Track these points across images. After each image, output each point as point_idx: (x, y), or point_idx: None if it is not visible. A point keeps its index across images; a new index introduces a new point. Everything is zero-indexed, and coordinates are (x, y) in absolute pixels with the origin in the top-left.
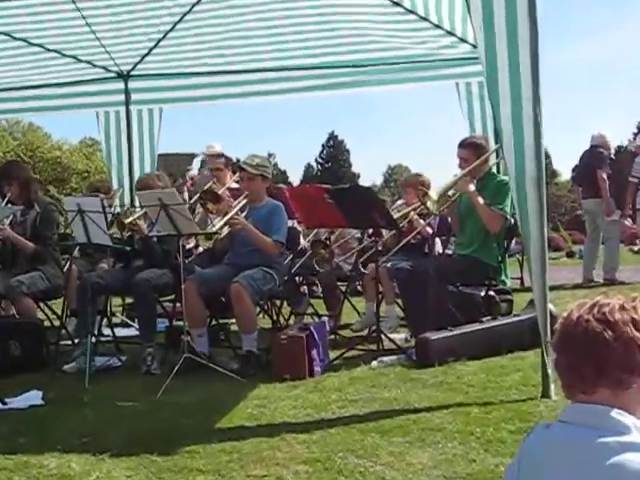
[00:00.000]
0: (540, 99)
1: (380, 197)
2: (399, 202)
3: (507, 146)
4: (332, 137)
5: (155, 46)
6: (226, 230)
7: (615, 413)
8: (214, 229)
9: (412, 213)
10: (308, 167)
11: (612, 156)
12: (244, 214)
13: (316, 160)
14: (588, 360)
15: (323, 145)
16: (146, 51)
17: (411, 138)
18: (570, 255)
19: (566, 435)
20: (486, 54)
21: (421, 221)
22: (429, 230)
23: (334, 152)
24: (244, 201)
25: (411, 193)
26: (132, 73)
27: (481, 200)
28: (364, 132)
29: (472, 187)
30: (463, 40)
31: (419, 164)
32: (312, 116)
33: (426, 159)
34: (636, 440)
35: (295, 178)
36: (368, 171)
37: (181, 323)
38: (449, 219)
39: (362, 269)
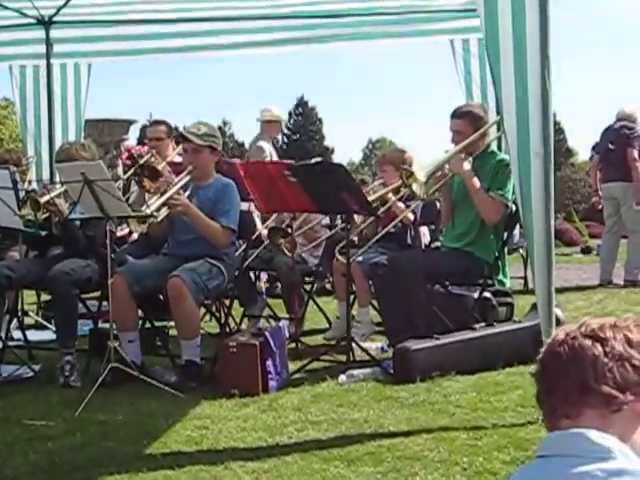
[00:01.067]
0: (549, 58)
1: (354, 176)
2: (376, 182)
3: (508, 116)
4: (301, 103)
5: None
6: (164, 212)
7: (595, 435)
8: (148, 210)
9: (390, 195)
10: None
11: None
12: (187, 194)
13: (282, 131)
14: (572, 377)
15: (290, 113)
16: None
17: (398, 107)
18: (586, 251)
19: (543, 472)
20: (485, 3)
21: (400, 205)
22: (410, 216)
23: (303, 121)
24: (187, 178)
25: (389, 172)
26: (55, 19)
27: (477, 183)
28: (340, 98)
29: (467, 166)
30: None
31: (407, 138)
32: (277, 77)
33: (416, 133)
34: (622, 465)
35: None
36: (344, 145)
37: (107, 326)
38: (437, 204)
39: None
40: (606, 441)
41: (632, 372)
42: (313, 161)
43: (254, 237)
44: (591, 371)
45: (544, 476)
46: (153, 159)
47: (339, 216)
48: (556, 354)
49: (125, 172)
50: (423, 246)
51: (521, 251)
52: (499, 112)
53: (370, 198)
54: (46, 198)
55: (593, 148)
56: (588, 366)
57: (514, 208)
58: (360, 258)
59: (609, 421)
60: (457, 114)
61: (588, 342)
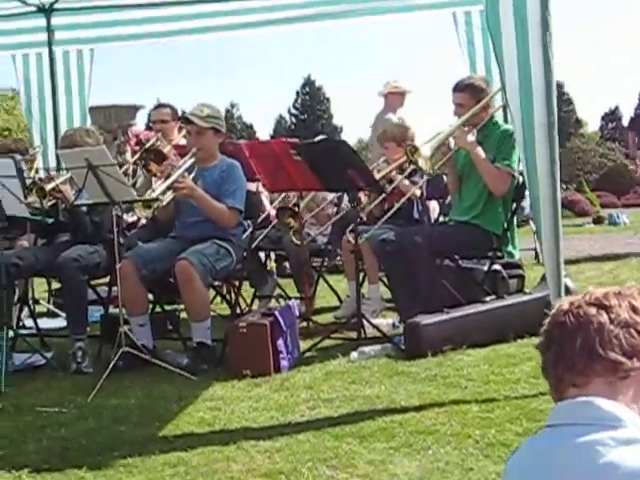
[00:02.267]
0: (550, 26)
1: (363, 154)
2: (380, 160)
3: (511, 87)
4: (308, 82)
5: None
6: (169, 196)
7: (605, 403)
8: (153, 195)
9: (395, 173)
10: (280, 119)
11: None
12: (192, 176)
13: (289, 111)
14: (578, 344)
15: (297, 92)
16: None
17: (407, 81)
18: (598, 221)
19: (553, 440)
20: None
21: (406, 181)
22: (417, 192)
23: (311, 101)
24: (191, 160)
25: (392, 148)
26: (56, 6)
27: (482, 154)
28: (347, 76)
29: (471, 138)
30: None
31: (416, 115)
32: (283, 57)
33: (424, 108)
34: (632, 434)
35: (264, 133)
36: (353, 124)
37: (118, 311)
38: (444, 178)
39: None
40: (616, 409)
41: (638, 338)
42: (317, 139)
43: (263, 217)
44: (597, 338)
45: (554, 445)
46: (159, 143)
47: (346, 193)
48: (561, 323)
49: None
50: (432, 220)
51: (531, 223)
52: (503, 84)
53: (376, 177)
54: (51, 185)
55: (602, 118)
56: (594, 333)
57: (521, 179)
58: (367, 235)
59: (617, 388)
60: (459, 87)
61: (593, 310)
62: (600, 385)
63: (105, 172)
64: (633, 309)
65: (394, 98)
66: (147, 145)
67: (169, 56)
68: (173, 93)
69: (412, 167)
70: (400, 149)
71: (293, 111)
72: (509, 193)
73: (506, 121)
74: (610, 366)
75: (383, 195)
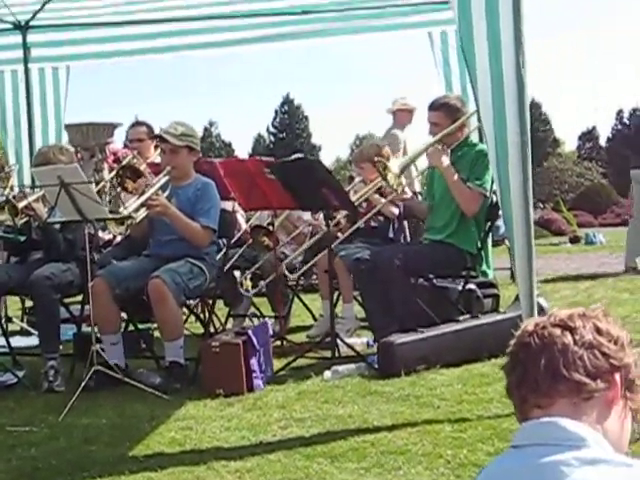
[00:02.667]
0: (523, 45)
1: (344, 172)
2: (356, 180)
3: (484, 106)
4: (287, 101)
5: None
6: (142, 213)
7: (569, 423)
8: (126, 212)
9: (372, 193)
10: (258, 138)
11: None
12: (166, 194)
13: (268, 130)
14: (543, 365)
15: (276, 111)
16: None
17: (382, 102)
18: (575, 240)
19: (518, 461)
20: None
21: (378, 197)
22: (394, 211)
23: (289, 120)
24: (165, 178)
25: (367, 168)
26: (32, 23)
27: (455, 174)
28: (326, 95)
29: (445, 159)
30: None
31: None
32: (262, 76)
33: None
34: (596, 454)
35: (243, 151)
36: (332, 142)
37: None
38: (419, 197)
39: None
40: (580, 430)
41: (602, 359)
42: (291, 158)
43: (238, 236)
44: (561, 359)
45: (518, 466)
46: (135, 160)
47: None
48: (526, 344)
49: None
50: (409, 239)
51: (507, 242)
52: (477, 103)
53: (353, 198)
54: (24, 203)
55: (579, 138)
56: (558, 354)
57: (495, 198)
58: (343, 253)
59: (581, 409)
60: (434, 106)
61: (557, 331)
62: (564, 406)
63: (78, 190)
64: (597, 330)
65: (402, 115)
66: (123, 163)
67: (148, 73)
68: (151, 111)
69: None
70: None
71: (272, 129)
72: (482, 212)
73: (482, 141)
74: (574, 387)
75: (360, 222)
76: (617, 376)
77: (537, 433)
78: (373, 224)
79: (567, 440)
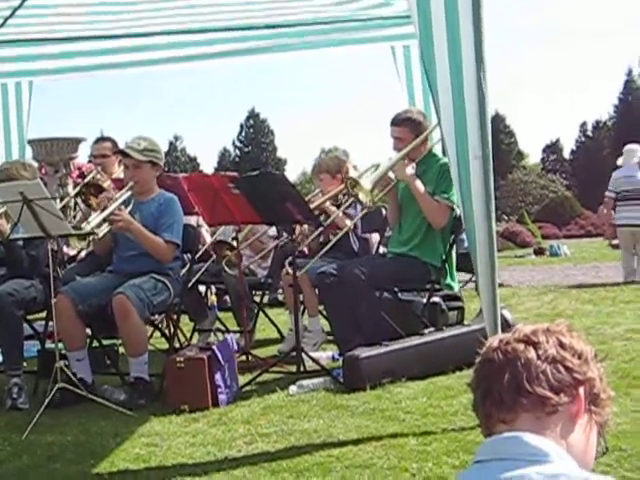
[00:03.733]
0: (484, 61)
1: (308, 186)
2: (315, 192)
3: (446, 119)
4: (252, 115)
5: (20, 5)
6: (105, 229)
7: (532, 438)
8: (88, 227)
9: (329, 204)
10: (224, 152)
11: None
12: (129, 209)
13: (234, 144)
14: (506, 380)
15: (242, 125)
16: (9, 12)
17: (349, 114)
18: (539, 252)
19: (480, 476)
20: (418, 6)
21: (333, 208)
22: (347, 223)
23: (255, 134)
24: (128, 193)
25: (326, 180)
26: None
27: (422, 187)
28: (291, 109)
29: (411, 172)
30: None
31: (360, 146)
32: (228, 90)
33: (368, 139)
34: (558, 469)
35: (208, 166)
36: (297, 156)
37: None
38: (383, 211)
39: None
40: (543, 444)
41: (565, 374)
42: (255, 172)
43: (202, 251)
44: (525, 373)
45: None
46: (99, 176)
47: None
48: (490, 360)
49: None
50: (373, 252)
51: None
52: (438, 117)
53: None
54: None
55: (543, 150)
56: (521, 368)
57: (458, 212)
58: (306, 268)
59: (544, 423)
60: (396, 121)
61: (521, 346)
62: (528, 420)
63: (40, 206)
64: (561, 345)
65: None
66: (86, 179)
67: (112, 88)
68: (116, 125)
69: (350, 200)
70: (335, 181)
71: (237, 143)
72: (448, 225)
73: (444, 152)
74: (537, 401)
75: (321, 229)
76: (581, 390)
77: (500, 448)
78: (331, 237)
79: (530, 455)
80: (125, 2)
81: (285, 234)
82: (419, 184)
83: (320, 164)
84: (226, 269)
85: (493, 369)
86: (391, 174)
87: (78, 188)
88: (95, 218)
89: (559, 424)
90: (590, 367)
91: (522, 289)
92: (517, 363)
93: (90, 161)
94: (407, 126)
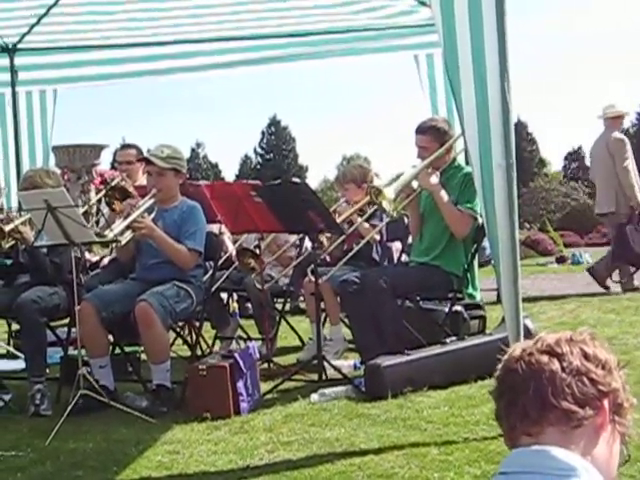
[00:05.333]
0: (508, 70)
1: (330, 193)
2: (340, 201)
3: (469, 128)
4: (274, 122)
5: (46, 13)
6: (128, 236)
7: (559, 452)
8: (111, 234)
9: (356, 216)
10: (245, 159)
11: None
12: (152, 216)
13: (255, 151)
14: (531, 393)
15: (263, 132)
16: (35, 20)
17: (369, 123)
18: (561, 261)
19: None
20: (442, 15)
21: (365, 225)
22: (377, 237)
23: (276, 140)
24: (151, 200)
25: (352, 190)
26: (19, 46)
27: (445, 197)
28: (312, 116)
29: (435, 181)
30: (423, 3)
31: (382, 153)
32: (249, 97)
33: (390, 146)
34: None
35: (230, 173)
36: (319, 163)
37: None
38: (405, 220)
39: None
40: (570, 459)
41: (590, 386)
42: (277, 181)
43: (224, 258)
44: (550, 387)
45: None
46: (124, 182)
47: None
48: (513, 371)
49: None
50: (395, 261)
51: (494, 263)
52: (462, 127)
53: (337, 220)
54: (10, 226)
55: (565, 158)
56: (546, 382)
57: (480, 220)
58: (327, 276)
59: (570, 437)
60: (421, 129)
61: (545, 358)
62: (553, 434)
63: (64, 213)
64: (585, 356)
65: (613, 122)
66: (112, 183)
67: (135, 95)
68: (139, 132)
69: (372, 210)
70: (360, 190)
71: (259, 150)
72: (469, 235)
73: (467, 162)
74: (563, 415)
75: (343, 237)
76: (605, 402)
77: (527, 461)
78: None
79: (557, 469)
80: (153, 8)
81: (308, 242)
82: (443, 193)
83: (345, 174)
84: (251, 277)
85: (517, 381)
86: (415, 183)
87: (104, 190)
88: (118, 225)
89: (584, 437)
90: (614, 377)
91: (544, 298)
92: (542, 376)
93: (114, 167)
94: (432, 135)
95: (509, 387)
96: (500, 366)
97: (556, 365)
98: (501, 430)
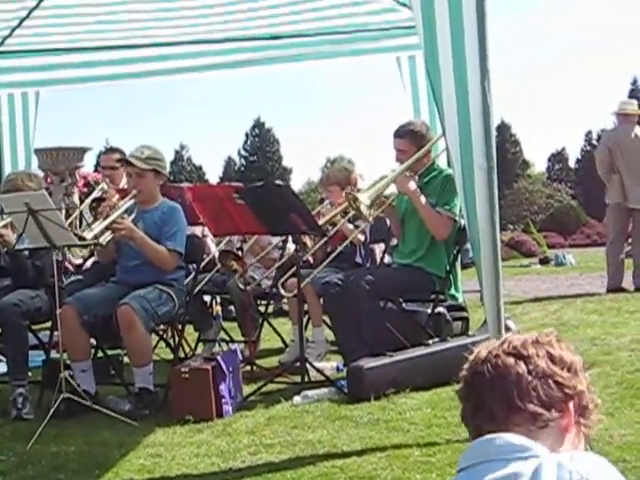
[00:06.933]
0: (489, 71)
1: (315, 195)
2: (324, 203)
3: (450, 130)
4: (258, 124)
5: (27, 16)
6: (108, 237)
7: (511, 436)
8: (90, 235)
9: (339, 216)
10: (229, 161)
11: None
12: (132, 218)
13: (239, 153)
14: (497, 396)
15: (247, 134)
16: (16, 22)
17: (355, 124)
18: (544, 262)
19: None
20: (422, 16)
21: (349, 225)
22: (361, 237)
23: (260, 143)
24: (130, 202)
25: (335, 192)
26: (0, 49)
27: (424, 200)
28: (296, 118)
29: (413, 185)
30: (404, 4)
31: (365, 155)
32: (233, 99)
33: (373, 149)
34: (543, 460)
35: (214, 175)
36: (303, 165)
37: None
38: (387, 221)
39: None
40: (525, 441)
41: (556, 389)
42: (259, 183)
43: (207, 261)
44: (516, 390)
45: None
46: (108, 192)
47: (290, 237)
48: (480, 373)
49: (82, 200)
50: (377, 263)
51: (475, 265)
52: (443, 128)
53: (320, 222)
54: None
55: (549, 159)
56: (513, 385)
57: (463, 222)
58: (310, 278)
59: (536, 435)
60: (399, 133)
61: (511, 360)
62: (520, 434)
63: (45, 216)
64: (551, 359)
65: (627, 118)
66: (94, 195)
67: (118, 97)
68: (122, 135)
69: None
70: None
71: (243, 153)
72: (451, 236)
73: (449, 165)
74: (529, 417)
75: (325, 238)
76: (571, 404)
77: (482, 451)
78: (340, 248)
79: (513, 452)
80: (131, 10)
81: (291, 244)
82: (421, 197)
83: (329, 176)
84: (233, 279)
85: (483, 383)
86: (393, 187)
87: (88, 201)
88: (97, 226)
89: (550, 437)
90: (579, 379)
91: (527, 299)
92: (508, 379)
93: (96, 170)
94: (409, 138)
95: (475, 389)
96: (466, 366)
97: (522, 368)
98: (467, 430)
